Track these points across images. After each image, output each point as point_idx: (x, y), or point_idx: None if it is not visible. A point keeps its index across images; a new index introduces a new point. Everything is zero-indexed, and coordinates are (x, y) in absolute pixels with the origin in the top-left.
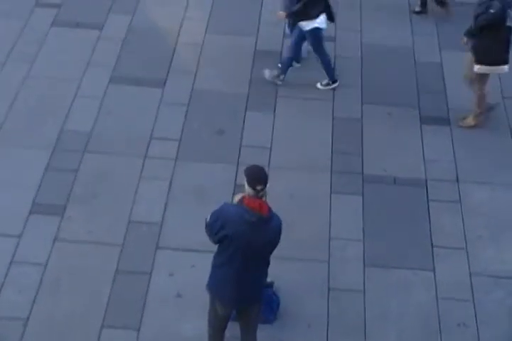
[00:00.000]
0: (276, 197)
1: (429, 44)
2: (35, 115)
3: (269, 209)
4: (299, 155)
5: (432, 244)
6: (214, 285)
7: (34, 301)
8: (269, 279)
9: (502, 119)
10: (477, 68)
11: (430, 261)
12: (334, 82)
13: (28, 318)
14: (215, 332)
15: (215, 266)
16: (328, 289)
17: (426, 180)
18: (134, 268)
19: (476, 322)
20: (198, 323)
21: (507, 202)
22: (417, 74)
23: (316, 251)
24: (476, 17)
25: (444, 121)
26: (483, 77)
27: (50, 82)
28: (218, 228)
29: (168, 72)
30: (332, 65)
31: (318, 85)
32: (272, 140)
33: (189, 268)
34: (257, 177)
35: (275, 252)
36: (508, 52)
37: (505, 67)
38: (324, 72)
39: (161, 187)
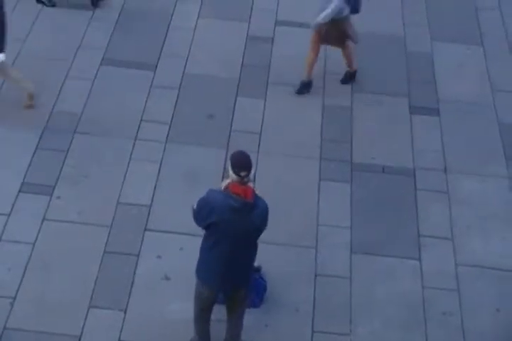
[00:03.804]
0: (264, 182)
1: (420, 34)
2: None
3: (254, 194)
4: (289, 142)
5: (418, 233)
6: (202, 268)
7: (22, 280)
8: (256, 263)
9: (490, 111)
10: None
11: (417, 250)
12: None
13: (15, 297)
14: (202, 314)
15: (202, 250)
16: (315, 275)
17: (414, 170)
18: (122, 250)
19: (461, 312)
20: (184, 306)
21: (494, 193)
22: (408, 63)
23: (303, 238)
24: None
25: (434, 111)
26: None
27: (42, 63)
28: (206, 215)
29: (160, 55)
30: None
31: None
32: (261, 125)
33: (177, 251)
34: (242, 163)
35: (263, 237)
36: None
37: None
38: None
39: (150, 169)
